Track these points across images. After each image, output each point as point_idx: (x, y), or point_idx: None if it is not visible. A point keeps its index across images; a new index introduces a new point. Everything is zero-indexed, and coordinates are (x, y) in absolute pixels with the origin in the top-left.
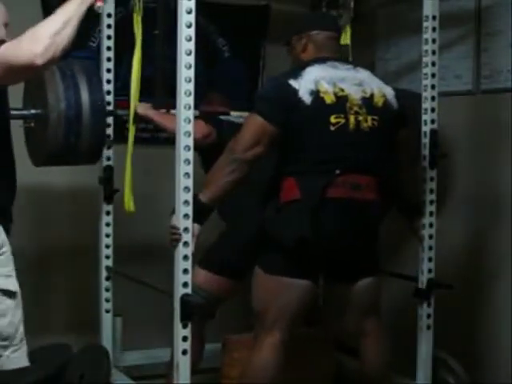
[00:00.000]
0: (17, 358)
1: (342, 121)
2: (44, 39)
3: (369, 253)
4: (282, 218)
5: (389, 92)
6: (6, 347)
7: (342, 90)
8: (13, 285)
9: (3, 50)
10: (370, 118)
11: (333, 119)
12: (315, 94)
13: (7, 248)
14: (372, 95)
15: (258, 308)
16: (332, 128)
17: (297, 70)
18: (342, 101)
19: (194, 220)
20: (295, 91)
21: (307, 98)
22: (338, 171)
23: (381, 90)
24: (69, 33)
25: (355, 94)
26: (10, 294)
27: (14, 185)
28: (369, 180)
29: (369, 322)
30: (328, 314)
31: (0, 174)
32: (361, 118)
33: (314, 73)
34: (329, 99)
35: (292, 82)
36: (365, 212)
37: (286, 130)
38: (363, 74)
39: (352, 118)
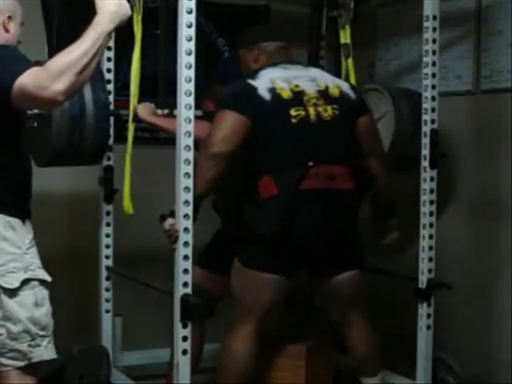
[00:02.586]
0: (51, 349)
1: (302, 113)
2: (69, 76)
3: (349, 245)
4: (262, 213)
5: (344, 84)
6: (44, 337)
7: (297, 86)
8: (46, 275)
9: (27, 81)
10: (329, 107)
11: (293, 112)
12: (273, 90)
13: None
14: (327, 87)
15: (235, 298)
16: (293, 120)
17: (252, 74)
18: (298, 95)
19: None
20: (255, 89)
21: (266, 95)
22: (310, 163)
23: (335, 83)
24: (94, 66)
25: (311, 89)
26: (45, 283)
27: (30, 184)
28: (341, 169)
29: (351, 314)
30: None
31: (19, 175)
32: (320, 108)
33: (268, 74)
34: (286, 95)
35: (251, 81)
36: (341, 201)
37: (253, 125)
38: (315, 72)
39: (312, 110)
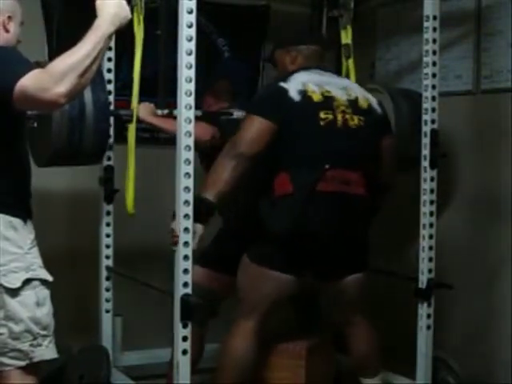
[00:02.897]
0: (52, 348)
1: (331, 117)
2: (71, 79)
3: (358, 248)
4: (276, 211)
5: (372, 98)
6: (45, 336)
7: (328, 92)
8: (47, 275)
9: (29, 83)
10: (356, 117)
11: (322, 115)
12: (303, 93)
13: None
14: (356, 98)
15: (240, 294)
16: (321, 123)
17: (285, 76)
18: (329, 100)
19: (199, 220)
20: (285, 91)
21: (296, 97)
22: (327, 166)
23: (364, 95)
24: (95, 68)
25: (341, 96)
26: (46, 283)
27: (30, 184)
28: (358, 176)
29: (354, 315)
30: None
31: (20, 175)
32: (348, 116)
33: (301, 77)
34: (316, 98)
35: (282, 84)
36: (353, 206)
37: (279, 127)
38: (347, 81)
39: (340, 116)
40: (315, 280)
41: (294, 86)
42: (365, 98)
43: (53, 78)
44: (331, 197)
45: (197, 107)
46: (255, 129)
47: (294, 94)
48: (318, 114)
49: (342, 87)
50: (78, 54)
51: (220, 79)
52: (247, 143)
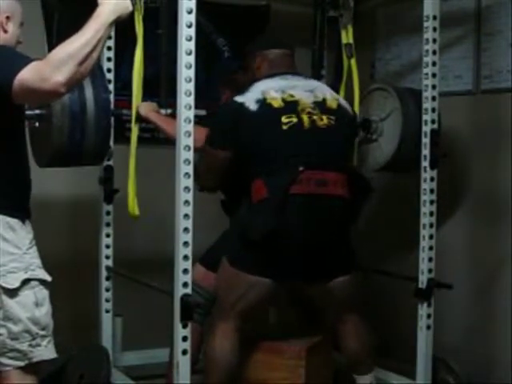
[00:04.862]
0: (51, 349)
1: (294, 120)
2: (70, 67)
3: (340, 249)
4: (251, 216)
5: (342, 100)
6: (44, 337)
7: (292, 96)
8: (46, 275)
9: (28, 75)
10: (325, 117)
11: (284, 119)
12: (262, 101)
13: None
14: (324, 99)
15: (218, 296)
16: (284, 127)
17: (244, 90)
18: (291, 104)
19: None
20: (240, 104)
21: (253, 106)
22: (301, 168)
23: (333, 96)
24: (95, 56)
25: (307, 99)
26: (46, 283)
27: (29, 184)
28: (334, 176)
29: (344, 315)
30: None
31: (18, 175)
32: (315, 117)
33: (262, 85)
34: (276, 104)
35: (237, 99)
36: (331, 207)
37: (240, 140)
38: (315, 84)
39: (305, 117)
40: (298, 283)
41: (252, 96)
42: (334, 98)
43: (51, 67)
44: (306, 199)
45: (196, 107)
46: (212, 164)
47: (250, 104)
48: (279, 119)
49: (309, 90)
50: (77, 42)
51: (238, 70)
52: (206, 178)
